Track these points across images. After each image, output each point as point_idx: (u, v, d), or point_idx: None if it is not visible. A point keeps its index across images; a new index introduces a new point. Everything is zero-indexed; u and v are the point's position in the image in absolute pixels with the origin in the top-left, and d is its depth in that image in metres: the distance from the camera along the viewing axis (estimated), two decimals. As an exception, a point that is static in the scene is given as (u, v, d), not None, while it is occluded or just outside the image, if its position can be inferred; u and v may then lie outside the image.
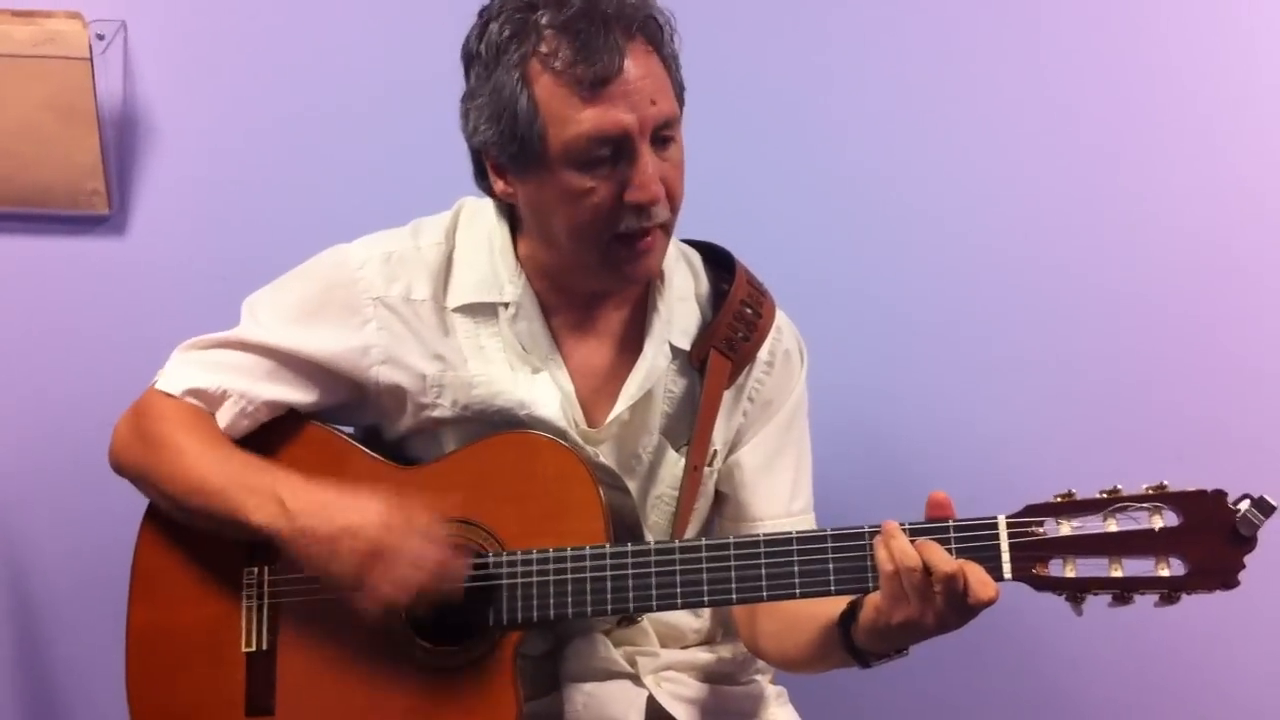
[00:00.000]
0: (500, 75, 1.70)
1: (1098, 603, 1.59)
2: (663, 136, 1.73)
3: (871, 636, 1.65)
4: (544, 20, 1.68)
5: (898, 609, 1.59)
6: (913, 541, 1.59)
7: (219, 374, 1.87)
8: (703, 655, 2.00)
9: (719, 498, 2.00)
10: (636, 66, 1.69)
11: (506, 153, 1.74)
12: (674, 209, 1.78)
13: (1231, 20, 2.54)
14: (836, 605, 1.73)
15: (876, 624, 1.62)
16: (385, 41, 2.57)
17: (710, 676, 1.99)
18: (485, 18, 1.74)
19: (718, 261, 1.98)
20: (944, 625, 1.58)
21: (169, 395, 1.87)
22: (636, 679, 1.90)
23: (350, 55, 2.57)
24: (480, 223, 1.90)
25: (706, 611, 2.02)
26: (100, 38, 2.48)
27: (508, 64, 1.70)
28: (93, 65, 2.46)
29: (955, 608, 1.57)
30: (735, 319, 1.90)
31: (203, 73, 2.57)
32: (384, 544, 1.69)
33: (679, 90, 1.77)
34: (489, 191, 1.85)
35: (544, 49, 1.68)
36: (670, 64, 1.76)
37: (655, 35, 1.73)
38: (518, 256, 1.87)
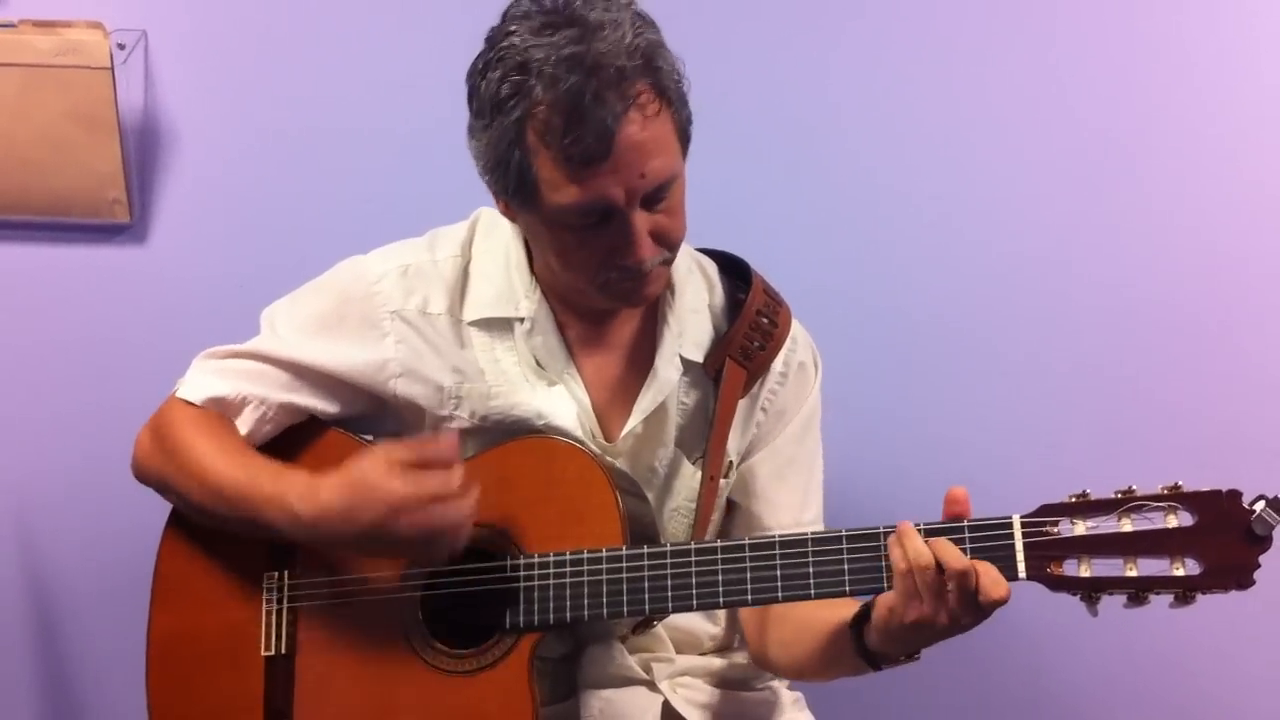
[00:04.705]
0: (496, 131, 1.68)
1: (1113, 603, 1.59)
2: (657, 198, 1.71)
3: (884, 638, 1.65)
4: (537, 91, 1.63)
5: (911, 608, 1.59)
6: (926, 541, 1.59)
7: (238, 382, 1.88)
8: (718, 661, 2.00)
9: (730, 507, 2.00)
10: (633, 134, 1.64)
11: (503, 193, 1.75)
12: (671, 247, 1.77)
13: (1242, 21, 2.54)
14: (847, 610, 1.73)
15: (889, 624, 1.62)
16: (405, 52, 2.58)
17: (726, 682, 1.99)
18: (486, 58, 1.70)
19: (734, 271, 1.98)
20: (956, 625, 1.58)
21: (189, 403, 1.89)
22: (652, 685, 1.90)
23: (370, 65, 2.58)
24: (497, 235, 1.91)
25: (722, 617, 2.02)
26: (121, 47, 2.49)
27: (503, 123, 1.67)
28: (114, 75, 2.48)
29: (968, 607, 1.57)
30: (751, 328, 1.90)
31: (223, 82, 2.59)
32: (412, 530, 1.68)
33: (684, 130, 1.74)
34: None
35: (539, 117, 1.64)
36: (676, 108, 1.71)
37: (660, 85, 1.68)
38: (533, 270, 1.88)
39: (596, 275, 1.75)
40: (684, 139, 1.74)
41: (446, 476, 1.69)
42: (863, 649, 1.70)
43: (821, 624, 1.79)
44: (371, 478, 1.70)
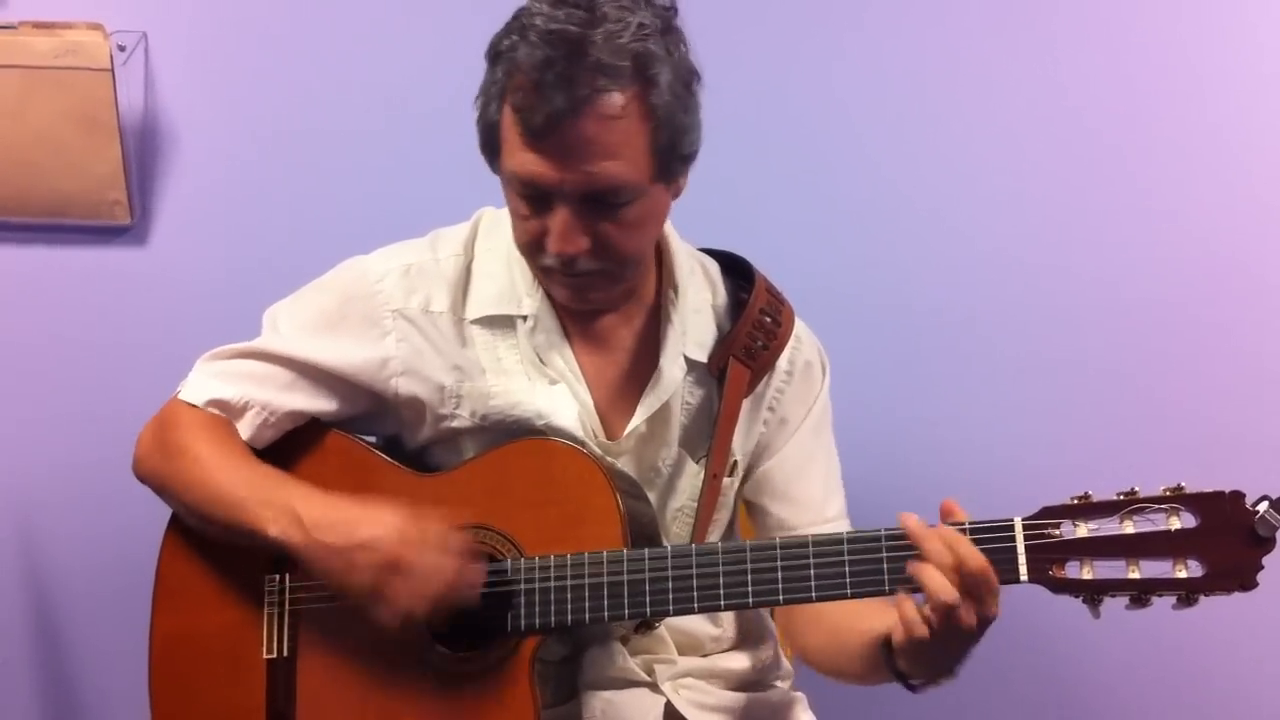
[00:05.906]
0: (487, 80, 1.71)
1: (1115, 605, 1.59)
2: (605, 203, 1.69)
3: (910, 661, 1.67)
4: (519, 54, 1.65)
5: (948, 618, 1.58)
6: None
7: (241, 384, 1.87)
8: (721, 663, 2.00)
9: (756, 513, 2.00)
10: (586, 128, 1.63)
11: (482, 148, 1.76)
12: (617, 262, 1.75)
13: (1242, 22, 2.54)
14: (877, 622, 1.73)
15: (910, 646, 1.63)
16: (406, 52, 2.58)
17: (729, 684, 1.99)
18: (508, 20, 1.73)
19: (736, 270, 1.97)
20: (983, 623, 1.59)
21: (191, 406, 1.88)
22: (654, 687, 1.90)
23: (370, 66, 2.59)
24: (499, 234, 1.90)
25: (725, 620, 2.02)
26: (121, 49, 2.50)
27: (494, 75, 1.70)
28: (114, 76, 2.48)
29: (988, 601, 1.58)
30: (754, 327, 1.90)
31: (223, 83, 2.59)
32: (400, 557, 1.69)
33: (662, 149, 1.70)
34: None
35: (515, 78, 1.66)
36: (658, 124, 1.68)
37: (643, 96, 1.66)
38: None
39: (535, 257, 1.77)
40: (662, 158, 1.70)
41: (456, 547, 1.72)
42: (893, 667, 1.71)
43: (853, 636, 1.80)
44: (391, 507, 1.72)
